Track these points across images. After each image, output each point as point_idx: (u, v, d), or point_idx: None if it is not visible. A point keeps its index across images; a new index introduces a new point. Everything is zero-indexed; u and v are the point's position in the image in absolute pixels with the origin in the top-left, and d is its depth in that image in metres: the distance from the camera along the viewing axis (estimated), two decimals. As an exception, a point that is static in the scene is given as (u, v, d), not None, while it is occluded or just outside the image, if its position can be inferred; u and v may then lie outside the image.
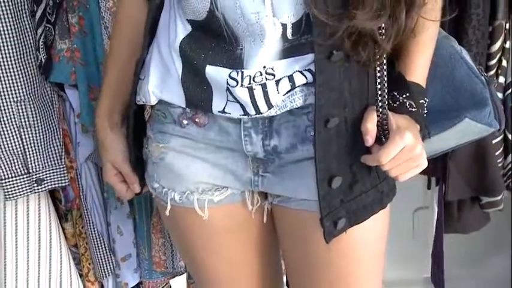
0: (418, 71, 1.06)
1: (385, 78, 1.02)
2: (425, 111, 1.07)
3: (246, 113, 1.02)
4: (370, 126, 1.00)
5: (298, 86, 1.01)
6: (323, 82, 0.98)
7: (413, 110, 1.04)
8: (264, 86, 1.00)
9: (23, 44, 1.42)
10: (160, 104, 1.10)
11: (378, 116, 1.01)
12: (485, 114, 1.13)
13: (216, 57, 1.00)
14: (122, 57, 1.17)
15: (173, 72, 1.05)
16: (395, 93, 1.04)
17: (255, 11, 0.95)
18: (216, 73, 1.00)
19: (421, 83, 1.06)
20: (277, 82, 1.00)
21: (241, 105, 1.02)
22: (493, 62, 1.41)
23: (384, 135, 1.01)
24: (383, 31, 0.97)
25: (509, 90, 1.43)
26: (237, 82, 1.00)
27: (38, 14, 1.40)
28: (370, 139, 1.00)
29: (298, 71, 1.00)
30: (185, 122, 1.08)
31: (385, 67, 1.01)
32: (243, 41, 0.98)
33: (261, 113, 1.02)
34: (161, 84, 1.07)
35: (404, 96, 1.04)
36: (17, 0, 1.37)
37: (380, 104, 1.02)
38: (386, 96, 1.02)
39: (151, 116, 1.15)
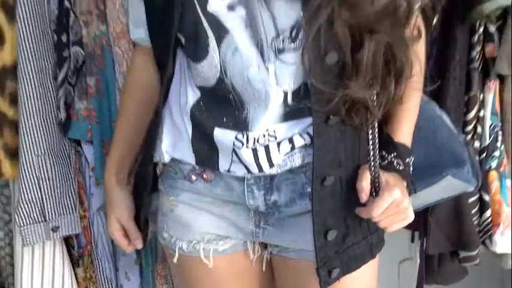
0: (404, 133, 1.07)
1: (377, 140, 1.03)
2: (411, 169, 1.08)
3: (249, 172, 1.04)
4: (365, 185, 1.02)
5: (298, 148, 1.02)
6: (321, 145, 0.99)
7: (401, 168, 1.05)
8: (266, 147, 1.02)
9: (45, 104, 1.45)
10: (172, 161, 1.11)
11: (370, 174, 1.03)
12: (464, 173, 1.15)
13: (224, 121, 1.01)
14: (130, 117, 1.18)
15: (184, 134, 1.06)
16: (385, 153, 1.05)
17: (261, 79, 0.97)
18: (223, 135, 1.02)
19: (407, 144, 1.07)
20: (279, 144, 1.02)
21: (245, 166, 1.03)
22: (469, 128, 1.43)
23: (375, 190, 1.03)
24: (374, 99, 0.99)
25: (484, 154, 1.44)
26: (243, 144, 1.01)
27: (60, 77, 1.45)
28: (364, 196, 1.02)
29: (298, 134, 1.02)
30: (194, 177, 1.09)
31: (376, 130, 1.03)
32: (248, 105, 0.99)
33: (263, 172, 1.03)
34: (173, 144, 1.09)
35: (392, 155, 1.05)
36: (42, 65, 1.43)
37: (372, 163, 1.03)
38: (378, 157, 1.03)
39: (163, 172, 1.16)
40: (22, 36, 1.39)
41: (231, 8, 0.95)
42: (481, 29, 1.37)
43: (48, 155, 1.47)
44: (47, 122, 1.46)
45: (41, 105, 1.44)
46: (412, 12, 0.95)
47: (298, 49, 0.95)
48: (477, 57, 1.39)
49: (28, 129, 1.44)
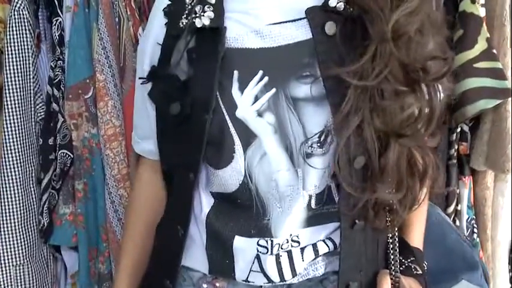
0: (417, 237, 1.00)
1: (397, 244, 0.96)
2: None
3: (270, 281, 0.91)
4: None
5: (321, 255, 0.92)
6: (347, 249, 0.90)
7: (419, 272, 0.97)
8: (289, 253, 0.91)
9: (27, 210, 1.30)
10: (181, 268, 0.97)
11: (391, 279, 0.94)
12: (477, 276, 1.09)
13: (244, 228, 0.90)
14: (139, 242, 1.07)
15: (198, 242, 0.94)
16: (401, 258, 0.97)
17: (289, 183, 0.89)
18: (244, 243, 0.90)
19: (420, 248, 1.00)
20: (302, 250, 0.91)
21: (265, 274, 0.91)
22: (450, 221, 1.37)
23: None
24: (401, 201, 0.91)
25: (462, 243, 1.39)
26: (267, 250, 0.90)
27: (44, 182, 1.31)
28: None
29: (321, 240, 0.92)
30: (204, 285, 0.97)
31: (396, 234, 0.96)
32: (271, 210, 0.90)
33: (285, 281, 0.91)
34: (184, 251, 0.96)
35: (409, 260, 0.97)
36: (25, 170, 1.29)
37: (393, 267, 0.94)
38: (398, 261, 0.95)
39: None
40: (5, 142, 1.25)
41: (260, 114, 0.88)
42: (458, 129, 1.36)
43: (27, 264, 1.29)
44: (28, 228, 1.29)
45: (22, 212, 1.28)
46: (434, 118, 0.91)
47: (326, 154, 0.88)
48: (454, 154, 1.37)
49: (7, 237, 1.27)
